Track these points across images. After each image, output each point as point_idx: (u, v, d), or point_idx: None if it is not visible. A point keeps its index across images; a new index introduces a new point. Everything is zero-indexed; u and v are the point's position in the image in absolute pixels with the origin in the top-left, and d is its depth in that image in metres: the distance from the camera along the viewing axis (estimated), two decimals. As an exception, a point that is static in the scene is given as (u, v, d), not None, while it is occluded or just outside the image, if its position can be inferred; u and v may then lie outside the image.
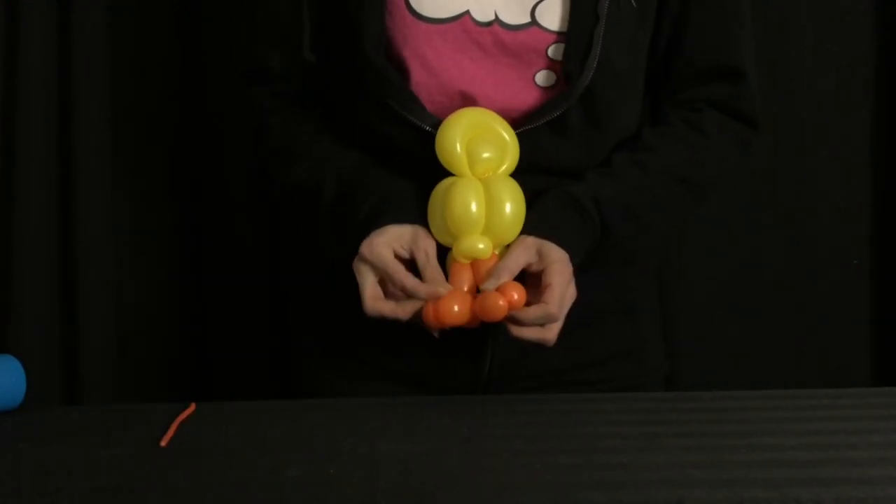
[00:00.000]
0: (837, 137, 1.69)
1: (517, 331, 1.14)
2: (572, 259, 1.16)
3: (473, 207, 1.14)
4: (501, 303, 1.11)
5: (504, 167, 1.18)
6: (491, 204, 1.15)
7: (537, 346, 1.15)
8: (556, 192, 1.20)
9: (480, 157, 1.16)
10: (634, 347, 1.32)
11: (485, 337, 1.23)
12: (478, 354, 1.25)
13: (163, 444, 1.00)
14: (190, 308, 1.69)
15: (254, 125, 1.34)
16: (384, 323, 1.16)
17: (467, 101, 1.21)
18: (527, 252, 1.15)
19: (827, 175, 1.70)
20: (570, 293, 1.16)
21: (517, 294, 1.12)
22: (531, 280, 1.15)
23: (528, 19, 1.20)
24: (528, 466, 0.93)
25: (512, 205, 1.16)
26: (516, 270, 1.14)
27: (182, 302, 1.69)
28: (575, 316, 1.25)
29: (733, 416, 1.08)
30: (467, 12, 1.21)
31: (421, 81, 1.21)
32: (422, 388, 1.26)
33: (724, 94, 1.28)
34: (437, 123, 1.19)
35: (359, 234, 1.18)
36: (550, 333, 1.14)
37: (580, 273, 1.19)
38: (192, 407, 1.10)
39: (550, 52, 1.20)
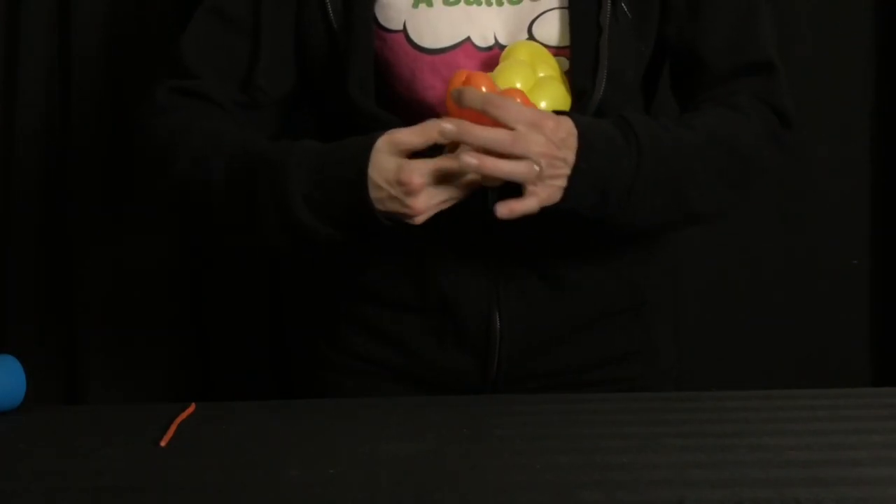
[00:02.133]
0: (837, 137, 1.70)
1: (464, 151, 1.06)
2: (584, 150, 1.08)
3: (518, 84, 1.11)
4: (519, 100, 1.08)
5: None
6: (532, 96, 1.11)
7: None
8: (614, 115, 1.16)
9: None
10: (645, 349, 1.31)
11: (489, 336, 1.23)
12: (484, 354, 1.24)
13: (163, 444, 1.00)
14: (190, 308, 1.69)
15: (136, 123, 1.27)
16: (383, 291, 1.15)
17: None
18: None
19: (827, 175, 1.70)
20: (542, 145, 1.05)
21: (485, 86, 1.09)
22: None
23: (525, 36, 1.20)
24: (528, 466, 0.93)
25: (549, 102, 1.12)
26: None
27: (182, 302, 1.69)
28: (584, 315, 1.26)
29: (733, 416, 1.08)
30: (468, 38, 1.21)
31: (431, 111, 1.18)
32: (427, 388, 1.25)
33: (756, 87, 1.24)
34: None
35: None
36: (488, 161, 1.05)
37: (591, 269, 1.18)
38: (192, 407, 1.10)
39: None
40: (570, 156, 1.08)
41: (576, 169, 1.09)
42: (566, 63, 1.19)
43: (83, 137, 1.63)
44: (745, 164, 1.22)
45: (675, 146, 1.15)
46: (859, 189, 1.71)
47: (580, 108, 1.17)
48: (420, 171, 1.06)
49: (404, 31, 1.20)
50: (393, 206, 1.08)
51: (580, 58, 1.18)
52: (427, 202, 1.07)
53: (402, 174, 1.06)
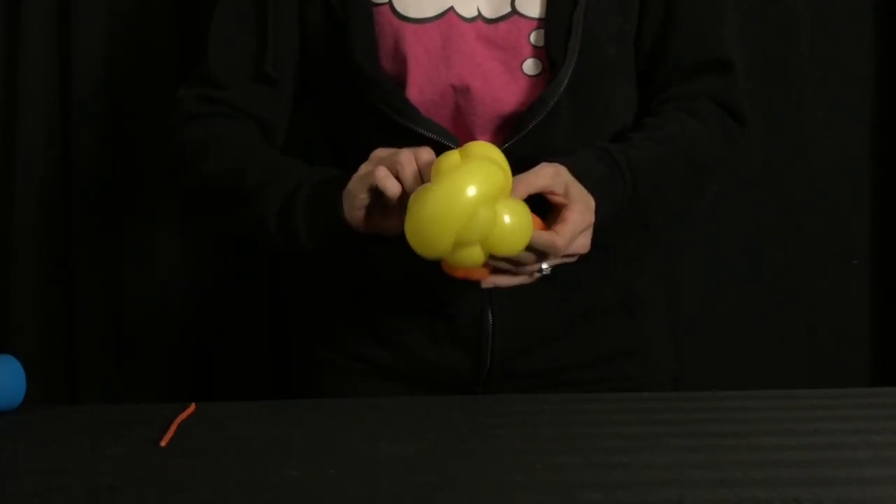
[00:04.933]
0: (837, 137, 1.70)
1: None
2: (598, 209, 1.13)
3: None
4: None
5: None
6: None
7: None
8: (590, 146, 1.19)
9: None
10: (639, 347, 1.31)
11: (482, 333, 1.24)
12: (476, 352, 1.25)
13: (163, 444, 1.00)
14: (190, 308, 1.69)
15: (170, 125, 1.29)
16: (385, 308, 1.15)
17: (458, 94, 1.21)
18: (553, 174, 1.10)
19: (827, 175, 1.70)
20: (582, 242, 1.12)
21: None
22: (549, 216, 1.12)
23: (508, 9, 1.21)
24: (528, 466, 0.93)
25: (512, 216, 1.04)
26: (534, 186, 1.09)
27: (182, 302, 1.69)
28: (576, 313, 1.26)
29: (733, 416, 1.08)
30: (451, 8, 1.22)
31: (413, 80, 1.21)
32: (421, 386, 1.26)
33: (713, 86, 1.28)
34: (433, 128, 1.19)
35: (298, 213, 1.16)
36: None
37: (583, 267, 1.19)
38: (192, 407, 1.10)
39: (532, 38, 1.21)
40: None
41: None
42: (542, 37, 1.20)
43: (83, 138, 1.63)
44: (701, 173, 1.26)
45: (644, 165, 1.19)
46: (859, 189, 1.71)
47: (552, 78, 1.19)
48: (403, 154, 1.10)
49: (389, 3, 1.22)
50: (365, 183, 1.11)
51: (553, 29, 1.20)
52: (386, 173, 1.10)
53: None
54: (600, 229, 1.14)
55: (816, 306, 1.71)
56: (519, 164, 1.18)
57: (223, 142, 1.25)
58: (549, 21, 1.20)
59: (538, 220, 1.09)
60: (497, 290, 1.22)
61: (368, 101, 1.21)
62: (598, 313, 1.27)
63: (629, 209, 1.18)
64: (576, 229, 1.09)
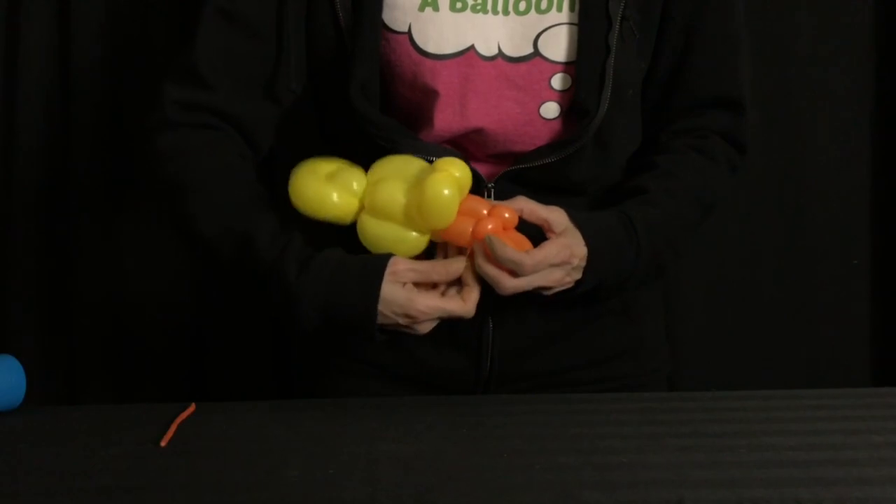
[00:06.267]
0: (837, 137, 1.70)
1: (481, 260, 1.13)
2: (603, 266, 1.16)
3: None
4: (491, 227, 1.13)
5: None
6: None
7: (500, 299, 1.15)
8: (614, 210, 1.21)
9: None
10: (635, 347, 1.32)
11: (482, 336, 1.24)
12: (477, 354, 1.25)
13: (163, 444, 1.00)
14: (190, 308, 1.69)
15: (149, 125, 1.22)
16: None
17: (473, 134, 1.20)
18: (563, 218, 1.16)
19: (827, 175, 1.70)
20: (556, 277, 1.14)
21: (508, 214, 1.14)
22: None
23: (530, 50, 1.20)
24: (528, 466, 0.93)
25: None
26: (538, 215, 1.16)
27: (182, 302, 1.69)
28: (575, 316, 1.26)
29: (733, 416, 1.08)
30: (472, 47, 1.20)
31: (429, 117, 1.20)
32: (421, 387, 1.26)
33: (725, 124, 1.29)
34: (436, 151, 1.18)
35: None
36: (508, 283, 1.13)
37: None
38: (192, 407, 1.10)
39: (554, 83, 1.20)
40: (579, 274, 1.17)
41: (580, 281, 1.17)
42: (569, 80, 1.19)
43: (83, 139, 1.63)
44: (709, 213, 1.29)
45: (663, 229, 1.22)
46: (859, 189, 1.71)
47: (583, 127, 1.18)
48: (430, 308, 1.12)
49: (409, 33, 1.20)
50: (397, 328, 1.14)
51: (586, 77, 1.19)
52: (433, 324, 1.15)
53: (412, 310, 1.12)
54: (610, 285, 1.19)
55: (816, 306, 1.71)
56: (531, 185, 1.19)
57: (203, 180, 1.19)
58: (581, 68, 1.19)
59: (526, 241, 1.14)
60: (497, 296, 1.22)
61: (363, 136, 1.19)
62: (595, 316, 1.28)
63: (639, 266, 1.20)
64: (548, 259, 1.13)
